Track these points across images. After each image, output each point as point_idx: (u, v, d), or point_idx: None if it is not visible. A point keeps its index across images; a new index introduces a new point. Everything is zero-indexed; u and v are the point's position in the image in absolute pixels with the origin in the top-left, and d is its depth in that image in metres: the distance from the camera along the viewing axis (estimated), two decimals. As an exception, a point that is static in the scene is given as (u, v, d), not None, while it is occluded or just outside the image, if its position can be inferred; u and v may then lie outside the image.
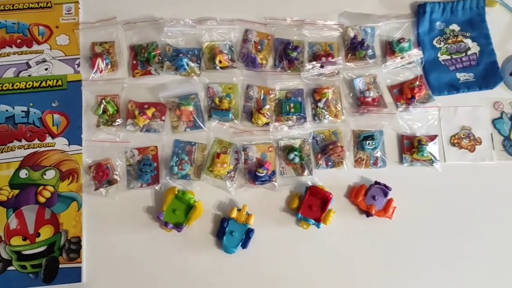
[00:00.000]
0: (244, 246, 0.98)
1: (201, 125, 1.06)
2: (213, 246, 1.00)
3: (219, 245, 0.99)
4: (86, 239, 0.99)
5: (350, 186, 1.05)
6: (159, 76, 1.09)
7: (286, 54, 1.10)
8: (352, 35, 1.13)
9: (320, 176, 1.05)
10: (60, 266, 0.97)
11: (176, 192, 0.98)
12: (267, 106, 1.07)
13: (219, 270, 0.99)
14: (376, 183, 1.03)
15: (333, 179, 1.05)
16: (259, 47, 1.13)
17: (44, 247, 0.98)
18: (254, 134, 1.07)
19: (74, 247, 0.98)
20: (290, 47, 1.10)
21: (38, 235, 0.98)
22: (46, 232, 0.98)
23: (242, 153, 1.05)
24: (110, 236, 1.00)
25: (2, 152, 1.02)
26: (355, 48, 1.12)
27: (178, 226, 0.98)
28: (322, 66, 1.09)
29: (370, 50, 1.12)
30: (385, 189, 1.02)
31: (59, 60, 1.09)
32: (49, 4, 1.13)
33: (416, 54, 1.12)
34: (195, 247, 1.00)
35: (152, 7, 1.14)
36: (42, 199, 1.00)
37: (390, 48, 1.13)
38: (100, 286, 0.97)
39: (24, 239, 0.98)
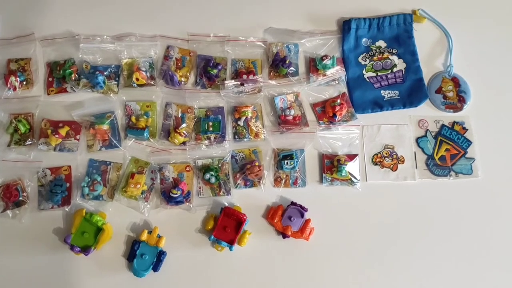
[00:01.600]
0: (155, 269, 0.96)
1: (117, 144, 1.04)
2: (124, 269, 0.98)
3: (131, 268, 0.97)
4: (-10, 262, 0.96)
5: (269, 206, 1.03)
6: (75, 94, 1.08)
7: (206, 71, 1.09)
8: (275, 51, 1.12)
9: (238, 196, 1.04)
10: (-38, 291, 0.94)
11: (83, 215, 0.96)
12: (184, 125, 1.05)
13: (129, 294, 0.96)
14: (293, 203, 1.02)
15: (251, 199, 1.03)
16: (180, 64, 1.12)
17: None
18: (172, 153, 1.05)
19: (-22, 271, 0.95)
20: (211, 64, 1.09)
21: None
22: (-51, 256, 0.96)
23: (158, 173, 1.03)
24: (16, 259, 0.97)
25: None
26: (277, 65, 1.10)
27: (85, 250, 0.95)
28: (242, 84, 1.08)
29: (292, 68, 1.11)
30: (301, 210, 1.01)
31: None
32: (-38, 19, 1.10)
33: (339, 71, 1.11)
34: (105, 270, 0.98)
35: (71, 23, 1.12)
36: None
37: (314, 65, 1.11)
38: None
39: None
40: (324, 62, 1.10)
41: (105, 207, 1.01)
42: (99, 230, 0.97)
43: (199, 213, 1.02)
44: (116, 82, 1.08)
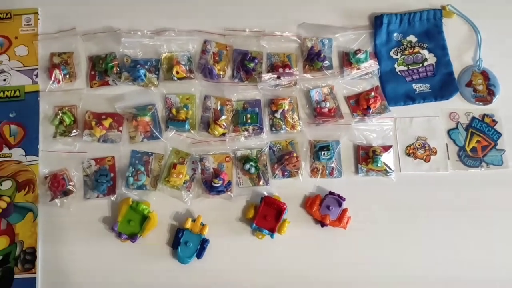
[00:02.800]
0: (198, 256, 0.99)
1: (158, 135, 1.07)
2: (168, 257, 1.01)
3: (175, 256, 1.00)
4: (41, 250, 1.00)
5: (306, 196, 1.06)
6: (117, 87, 1.10)
7: (244, 65, 1.11)
8: (309, 46, 1.14)
9: (276, 186, 1.06)
10: (15, 276, 0.97)
11: (130, 203, 0.99)
12: (224, 117, 1.07)
13: (174, 280, 1.00)
14: (330, 193, 1.04)
15: (289, 189, 1.06)
16: (217, 58, 1.14)
17: (-1, 258, 0.97)
18: (211, 145, 1.07)
19: (29, 258, 0.98)
20: (248, 58, 1.11)
21: (-7, 245, 0.98)
22: (1, 243, 0.99)
23: (199, 163, 1.06)
24: (65, 247, 1.00)
25: (-43, 163, 1.02)
26: (312, 59, 1.13)
27: (132, 237, 0.98)
28: (279, 77, 1.10)
29: (327, 61, 1.13)
30: (339, 199, 1.03)
31: (17, 71, 1.09)
32: (8, 15, 1.13)
33: (372, 65, 1.13)
34: (150, 257, 1.01)
35: (112, 18, 1.14)
36: (-3, 210, 1.00)
37: (347, 59, 1.13)
38: (55, 297, 0.98)
39: (-22, 250, 0.98)
40: (358, 56, 1.12)
41: (148, 196, 1.03)
42: (144, 218, 1.00)
43: (239, 202, 1.05)
44: (156, 76, 1.10)
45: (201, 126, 1.09)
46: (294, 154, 1.06)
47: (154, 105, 1.08)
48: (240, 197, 1.05)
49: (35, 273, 0.98)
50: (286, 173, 1.07)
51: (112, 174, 1.03)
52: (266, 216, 1.01)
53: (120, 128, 1.07)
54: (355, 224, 1.03)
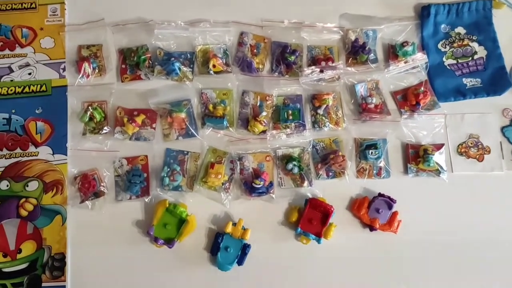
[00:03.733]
0: (240, 263, 0.92)
1: (194, 133, 1.00)
2: (207, 263, 0.95)
3: (213, 262, 0.94)
4: (70, 256, 0.94)
5: (352, 198, 1.00)
6: (149, 81, 1.04)
7: (284, 58, 1.05)
8: (353, 38, 1.08)
9: (320, 187, 1.00)
10: (43, 284, 0.91)
11: (167, 205, 0.93)
12: (264, 113, 1.01)
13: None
14: (380, 195, 0.98)
15: (334, 190, 0.99)
16: (255, 50, 1.07)
17: (26, 264, 0.92)
18: (250, 143, 1.01)
19: (58, 264, 0.92)
20: (288, 50, 1.05)
21: (20, 251, 0.92)
22: (28, 248, 0.93)
23: (238, 162, 0.99)
24: (97, 252, 0.94)
25: (-19, 162, 0.96)
26: (356, 52, 1.06)
27: (169, 242, 0.92)
28: (321, 71, 1.04)
29: (372, 54, 1.07)
30: (389, 202, 0.97)
31: (43, 64, 1.04)
32: (33, 5, 1.07)
33: (420, 58, 1.06)
34: (187, 263, 0.95)
35: (143, 9, 1.08)
36: (24, 213, 0.94)
37: (393, 52, 1.07)
38: (85, 306, 0.91)
39: (5, 256, 0.92)
40: (405, 48, 1.05)
41: (184, 198, 0.97)
42: (181, 222, 0.93)
43: (281, 205, 0.99)
44: (190, 69, 1.04)
45: (239, 123, 1.03)
46: (340, 153, 1.00)
47: (189, 100, 1.02)
48: (282, 199, 0.99)
49: (65, 280, 0.92)
50: (330, 174, 1.00)
51: (145, 174, 0.97)
52: (311, 219, 0.95)
53: (154, 125, 1.01)
54: (404, 227, 0.96)
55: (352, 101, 1.05)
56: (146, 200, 0.96)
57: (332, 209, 0.94)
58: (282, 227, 0.97)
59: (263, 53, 1.08)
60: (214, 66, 1.03)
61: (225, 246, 0.92)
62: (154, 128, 1.00)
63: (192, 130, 1.00)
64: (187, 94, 1.03)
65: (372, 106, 1.03)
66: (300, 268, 0.95)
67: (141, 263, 0.94)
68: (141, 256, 0.94)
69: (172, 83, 1.04)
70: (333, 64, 1.04)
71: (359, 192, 1.00)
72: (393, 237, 0.96)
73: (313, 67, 1.04)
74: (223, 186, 0.97)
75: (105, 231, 0.95)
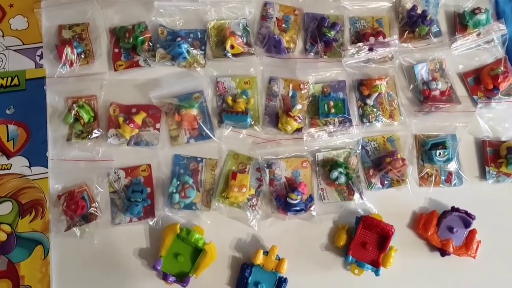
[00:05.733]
0: (274, 302, 0.75)
1: (209, 134, 0.83)
2: (231, 303, 0.77)
3: (240, 302, 0.76)
4: (56, 299, 0.76)
5: (415, 212, 0.82)
6: (150, 69, 0.87)
7: (322, 34, 0.87)
8: (409, 6, 0.91)
9: (374, 200, 0.82)
10: (21, 338, 0.75)
11: (178, 231, 0.76)
12: (299, 106, 0.84)
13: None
14: (453, 209, 0.79)
15: (392, 203, 0.82)
16: (283, 25, 0.91)
17: (-2, 313, 0.75)
18: (281, 145, 0.83)
19: (40, 311, 0.75)
20: (326, 24, 0.88)
21: (-10, 294, 0.76)
22: (0, 290, 0.76)
23: (267, 171, 0.82)
24: (90, 291, 0.77)
25: None
26: (414, 23, 0.89)
27: (182, 279, 0.75)
28: (371, 49, 0.86)
29: (434, 26, 0.90)
30: (466, 218, 0.79)
31: (14, 50, 0.88)
32: (-1, -25, 0.89)
33: (497, 29, 0.88)
34: (206, 304, 0.77)
35: (138, -24, 0.90)
36: (-6, 244, 0.77)
37: (461, 22, 0.90)
38: None
39: (-29, 302, 0.76)
40: (477, 16, 0.89)
41: (200, 219, 0.80)
42: (197, 251, 0.76)
43: (324, 224, 0.81)
44: (202, 52, 0.88)
45: (266, 119, 0.85)
46: (399, 155, 0.81)
47: (201, 92, 0.86)
48: (326, 216, 0.81)
49: (49, 331, 0.74)
50: (386, 182, 0.82)
51: (149, 190, 0.81)
52: (364, 243, 0.78)
53: (157, 126, 0.84)
54: (486, 251, 0.79)
55: (411, 87, 0.88)
56: (151, 223, 0.80)
57: (392, 230, 0.77)
58: (326, 254, 0.80)
59: (294, 28, 0.91)
60: (232, 47, 0.87)
61: (255, 282, 0.76)
62: (158, 129, 0.85)
63: (207, 131, 0.84)
64: (199, 84, 0.86)
65: (436, 93, 0.86)
66: (352, 306, 0.78)
67: (149, 306, 0.77)
68: (149, 296, 0.77)
69: (180, 71, 0.88)
70: (385, 40, 0.87)
71: (424, 205, 0.83)
72: (472, 263, 0.79)
73: (359, 44, 0.86)
74: (248, 203, 0.81)
75: (99, 265, 0.78)
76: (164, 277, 0.74)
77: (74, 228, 0.78)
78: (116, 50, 0.87)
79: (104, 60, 0.88)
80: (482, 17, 0.87)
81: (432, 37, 0.88)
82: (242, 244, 0.80)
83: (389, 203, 0.82)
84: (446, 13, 0.92)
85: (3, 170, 0.81)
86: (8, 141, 0.82)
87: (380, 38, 0.87)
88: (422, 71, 0.87)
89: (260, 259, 0.75)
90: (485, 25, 0.88)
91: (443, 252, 0.78)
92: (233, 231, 0.80)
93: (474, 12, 0.88)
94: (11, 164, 0.81)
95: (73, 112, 0.82)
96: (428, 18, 0.87)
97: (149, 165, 0.82)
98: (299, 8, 0.91)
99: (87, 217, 0.78)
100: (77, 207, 0.77)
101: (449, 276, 0.79)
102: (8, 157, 0.81)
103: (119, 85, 0.86)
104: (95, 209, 0.79)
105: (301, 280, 0.77)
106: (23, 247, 0.78)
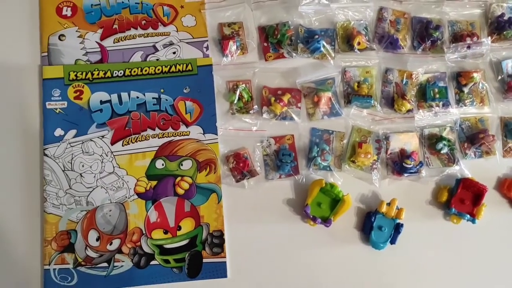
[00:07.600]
0: (393, 241, 0.93)
1: (339, 111, 1.00)
2: (358, 241, 0.96)
3: (364, 240, 0.95)
4: (228, 233, 0.95)
5: (500, 178, 0.99)
6: (291, 60, 1.02)
7: (428, 34, 1.02)
8: (498, 13, 1.05)
9: (467, 167, 0.99)
10: (204, 260, 0.93)
11: (323, 185, 0.93)
12: (412, 92, 1.00)
13: (369, 266, 0.95)
14: None
15: (481, 169, 0.98)
16: (394, 26, 1.05)
17: (186, 241, 0.94)
18: (395, 122, 1.00)
19: (217, 241, 0.94)
20: (432, 26, 1.02)
21: (179, 228, 0.94)
22: (187, 225, 0.95)
23: (385, 142, 0.99)
24: (252, 229, 0.95)
25: (136, 141, 0.97)
26: (502, 27, 1.03)
27: (326, 221, 0.93)
28: (468, 47, 1.01)
29: None
30: None
31: (186, 42, 1.02)
32: (171, -18, 1.05)
33: None
34: (341, 241, 0.96)
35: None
36: (180, 191, 0.96)
37: None
38: (245, 282, 0.94)
39: (165, 233, 0.94)
40: None
41: (334, 178, 0.97)
42: (334, 201, 0.94)
43: (428, 184, 0.98)
44: (332, 47, 1.03)
45: (382, 101, 1.01)
46: (490, 133, 0.98)
47: (333, 79, 1.01)
48: (430, 178, 0.98)
49: (224, 257, 0.93)
50: (478, 153, 0.99)
51: (294, 154, 0.97)
52: (463, 199, 0.95)
53: (299, 105, 1.00)
54: None
55: (498, 79, 1.03)
56: (297, 178, 0.97)
57: (486, 189, 0.94)
58: (430, 207, 0.97)
59: (404, 29, 1.05)
60: (358, 43, 1.01)
61: (379, 225, 0.93)
62: (299, 108, 1.00)
63: (338, 109, 1.00)
64: (329, 72, 1.01)
65: (520, 84, 1.01)
66: (450, 247, 0.96)
67: (295, 241, 0.95)
68: (295, 233, 0.95)
69: (315, 61, 1.02)
70: (480, 40, 1.02)
71: (507, 172, 1.00)
72: (545, 216, 0.95)
73: (460, 43, 1.01)
74: (371, 166, 0.97)
75: (258, 209, 0.95)
76: (313, 219, 0.93)
77: (243, 181, 0.95)
78: (265, 44, 1.01)
79: (255, 52, 1.02)
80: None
81: (516, 39, 1.02)
82: (366, 198, 0.97)
83: (480, 170, 0.97)
84: (528, 20, 1.04)
85: (183, 136, 0.98)
86: (186, 113, 0.98)
87: (475, 39, 1.01)
88: (508, 66, 1.01)
89: (384, 208, 0.93)
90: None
91: (523, 208, 0.95)
92: (359, 188, 0.97)
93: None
94: (190, 131, 0.97)
95: (237, 93, 0.98)
96: (514, 23, 1.01)
97: (292, 135, 0.98)
98: (408, 12, 1.04)
99: (251, 172, 0.96)
100: (244, 165, 0.95)
101: (528, 228, 0.96)
102: (187, 126, 0.98)
103: (266, 72, 1.00)
104: (256, 167, 0.96)
105: (412, 226, 0.93)
106: (201, 194, 0.95)
